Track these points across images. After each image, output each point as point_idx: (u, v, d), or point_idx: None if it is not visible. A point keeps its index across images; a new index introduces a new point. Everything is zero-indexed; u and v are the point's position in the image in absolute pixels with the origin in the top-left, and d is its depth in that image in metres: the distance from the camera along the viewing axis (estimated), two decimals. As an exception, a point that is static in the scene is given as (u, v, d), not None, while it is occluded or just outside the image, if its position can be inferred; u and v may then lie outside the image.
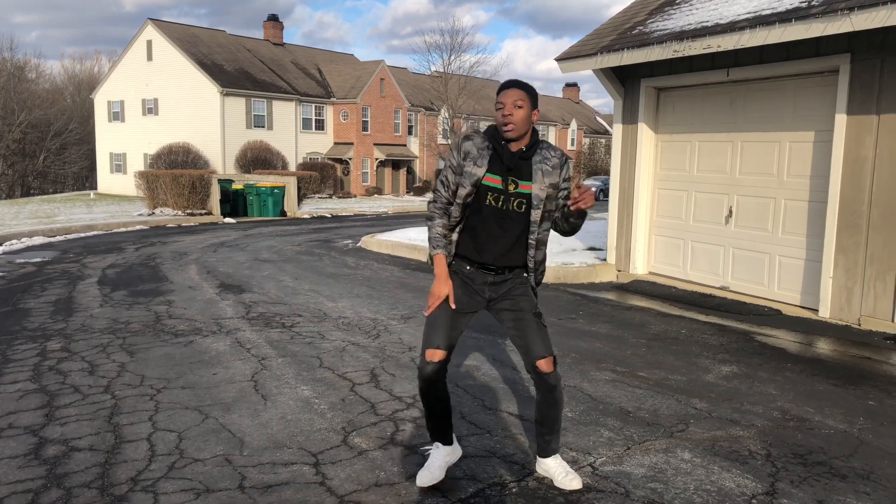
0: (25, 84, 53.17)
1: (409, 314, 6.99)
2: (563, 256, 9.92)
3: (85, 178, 53.37)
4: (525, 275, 3.17)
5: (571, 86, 65.46)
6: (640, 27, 8.12)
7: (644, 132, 8.72)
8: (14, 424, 3.95)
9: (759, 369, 5.12)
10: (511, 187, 3.02)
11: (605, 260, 9.57)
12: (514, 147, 3.03)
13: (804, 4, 6.03)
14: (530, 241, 3.08)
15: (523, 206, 3.03)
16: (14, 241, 13.58)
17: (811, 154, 6.99)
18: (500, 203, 3.03)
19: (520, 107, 2.96)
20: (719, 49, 6.69)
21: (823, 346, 5.84)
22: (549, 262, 9.00)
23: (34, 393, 4.50)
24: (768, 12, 6.32)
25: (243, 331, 6.20)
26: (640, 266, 8.98)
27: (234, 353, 5.44)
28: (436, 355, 3.03)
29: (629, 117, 8.93)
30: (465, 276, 3.14)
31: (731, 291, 7.84)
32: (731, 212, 7.85)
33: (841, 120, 6.47)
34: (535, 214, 3.03)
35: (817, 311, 6.83)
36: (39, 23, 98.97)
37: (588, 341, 5.90)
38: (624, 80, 8.92)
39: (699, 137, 8.19)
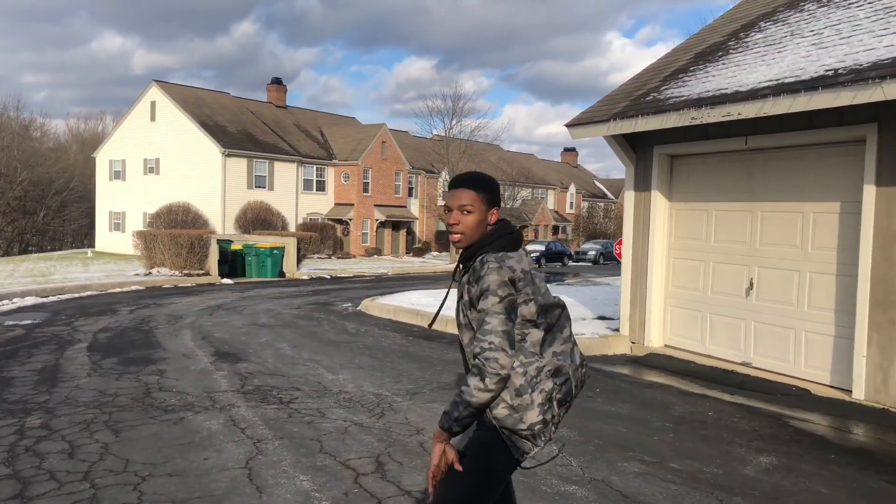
0: (30, 143, 53.57)
1: (415, 389, 6.56)
2: (573, 326, 9.54)
3: (84, 235, 53.22)
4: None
5: (570, 150, 66.20)
6: (655, 94, 7.96)
7: (657, 200, 8.47)
8: (-23, 521, 3.51)
9: (801, 461, 4.69)
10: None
11: (617, 330, 9.19)
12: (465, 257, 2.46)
13: (830, 73, 5.84)
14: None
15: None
16: (6, 301, 13.18)
17: (837, 225, 6.70)
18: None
19: (469, 212, 2.38)
20: (740, 116, 6.49)
21: (866, 434, 5.39)
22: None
23: (5, 480, 4.06)
24: (792, 80, 6.13)
25: (238, 407, 5.77)
26: (656, 338, 8.59)
27: (227, 434, 5.01)
28: None
29: (642, 184, 8.70)
30: None
31: (753, 368, 7.43)
32: (751, 284, 7.52)
33: (870, 191, 6.20)
34: (463, 333, 2.42)
35: (850, 391, 6.41)
36: (48, 83, 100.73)
37: (610, 424, 5.47)
38: (636, 146, 8.73)
39: (716, 206, 7.93)
